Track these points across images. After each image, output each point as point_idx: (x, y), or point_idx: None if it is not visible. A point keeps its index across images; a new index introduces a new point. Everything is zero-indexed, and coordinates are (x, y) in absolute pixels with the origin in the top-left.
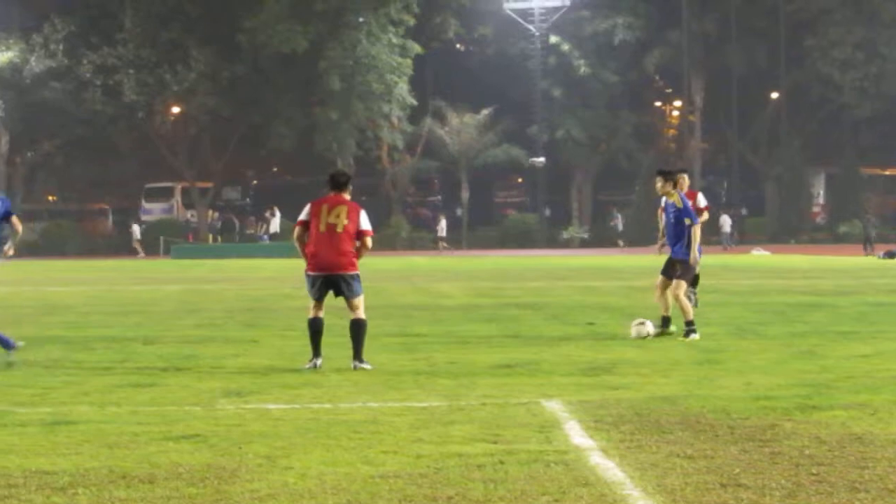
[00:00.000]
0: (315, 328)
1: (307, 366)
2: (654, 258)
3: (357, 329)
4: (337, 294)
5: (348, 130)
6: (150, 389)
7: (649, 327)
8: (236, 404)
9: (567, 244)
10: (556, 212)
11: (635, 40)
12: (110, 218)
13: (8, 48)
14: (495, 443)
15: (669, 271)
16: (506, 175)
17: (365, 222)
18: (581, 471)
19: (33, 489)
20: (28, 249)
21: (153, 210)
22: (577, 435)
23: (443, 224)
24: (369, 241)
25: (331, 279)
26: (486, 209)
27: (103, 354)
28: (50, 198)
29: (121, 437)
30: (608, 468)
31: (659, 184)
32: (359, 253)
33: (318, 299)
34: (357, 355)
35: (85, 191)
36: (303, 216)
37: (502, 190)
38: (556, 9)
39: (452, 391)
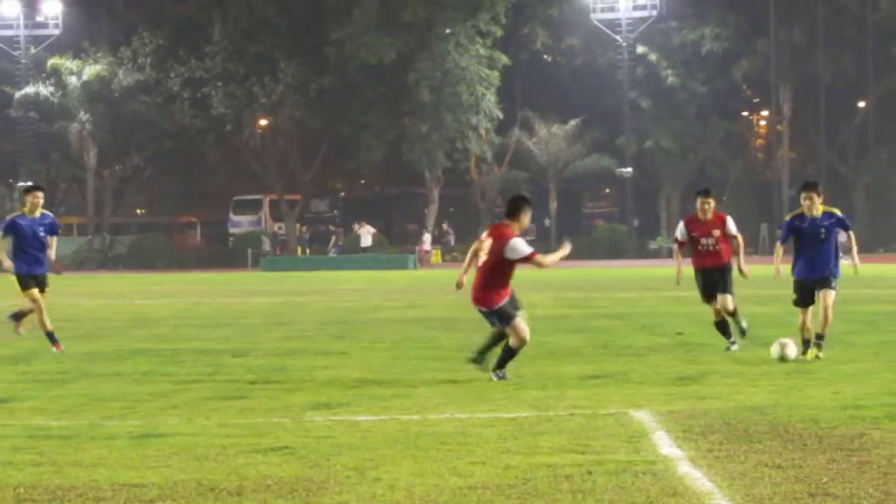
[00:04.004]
0: None
1: None
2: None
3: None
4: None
5: (437, 142)
6: (239, 402)
7: (791, 349)
8: (325, 416)
9: (656, 254)
10: (645, 222)
11: (723, 50)
12: (199, 231)
13: (97, 62)
14: (584, 453)
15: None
16: (594, 186)
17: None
18: (669, 481)
19: (122, 502)
20: (117, 263)
21: (241, 222)
22: (665, 445)
23: (426, 238)
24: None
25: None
26: (575, 220)
27: (192, 367)
28: (138, 211)
29: (209, 449)
30: (696, 478)
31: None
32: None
33: None
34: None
35: (173, 204)
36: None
37: (591, 200)
38: (643, 19)
39: (541, 402)
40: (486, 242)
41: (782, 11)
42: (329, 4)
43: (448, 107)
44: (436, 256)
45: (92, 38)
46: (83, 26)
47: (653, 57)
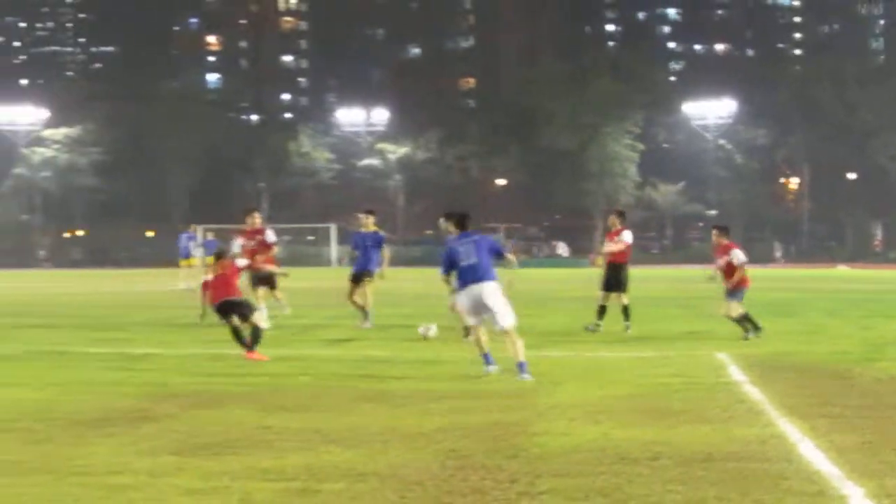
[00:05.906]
0: None
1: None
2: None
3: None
4: None
5: (601, 195)
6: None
7: (433, 331)
8: (533, 353)
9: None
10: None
11: (768, 141)
12: None
13: (404, 146)
14: (686, 377)
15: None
16: (692, 221)
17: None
18: (738, 394)
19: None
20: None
21: None
22: (735, 373)
23: (559, 244)
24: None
25: None
26: (680, 241)
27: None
28: (427, 232)
29: (443, 369)
30: (754, 393)
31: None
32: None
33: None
34: None
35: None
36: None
37: (690, 230)
38: (722, 123)
39: (658, 347)
40: (736, 251)
41: (803, 119)
42: (540, 113)
43: (607, 174)
44: (600, 260)
45: (401, 133)
46: (398, 126)
47: (728, 146)
